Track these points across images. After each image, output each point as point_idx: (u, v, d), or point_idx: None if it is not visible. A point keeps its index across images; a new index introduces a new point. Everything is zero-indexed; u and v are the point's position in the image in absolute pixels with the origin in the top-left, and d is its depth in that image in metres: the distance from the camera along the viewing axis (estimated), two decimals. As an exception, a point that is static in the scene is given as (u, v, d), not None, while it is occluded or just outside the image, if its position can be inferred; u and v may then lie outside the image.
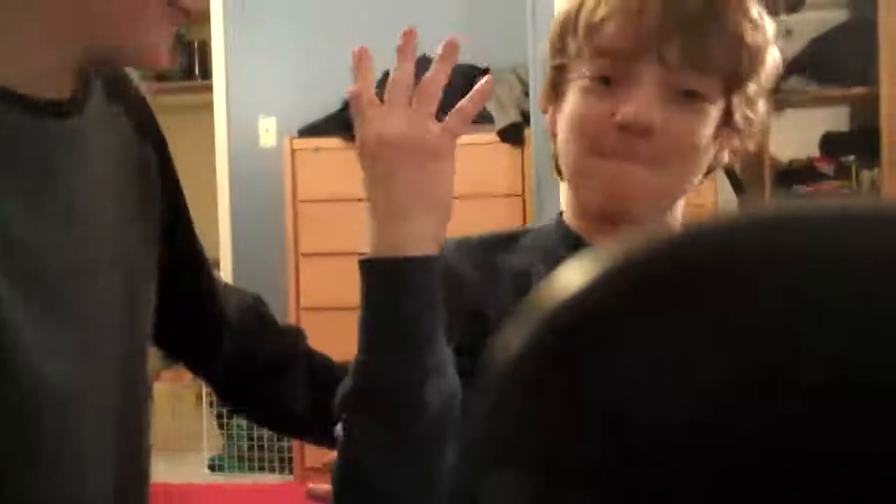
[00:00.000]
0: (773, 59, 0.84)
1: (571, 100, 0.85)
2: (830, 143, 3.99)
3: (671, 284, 0.26)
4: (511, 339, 0.27)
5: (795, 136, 3.99)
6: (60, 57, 0.75)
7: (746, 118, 0.85)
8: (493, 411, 0.27)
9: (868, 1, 3.68)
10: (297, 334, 1.10)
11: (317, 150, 3.50)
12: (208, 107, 3.92)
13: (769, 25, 0.84)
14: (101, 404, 0.80)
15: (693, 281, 0.26)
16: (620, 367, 0.25)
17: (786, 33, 3.90)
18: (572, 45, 0.85)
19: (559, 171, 0.92)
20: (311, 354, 1.07)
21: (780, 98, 3.86)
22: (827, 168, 3.92)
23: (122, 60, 0.82)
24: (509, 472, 0.26)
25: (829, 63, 3.80)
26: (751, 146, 0.89)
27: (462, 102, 0.83)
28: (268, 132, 3.86)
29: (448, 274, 0.82)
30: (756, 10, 0.82)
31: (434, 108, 0.82)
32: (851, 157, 3.88)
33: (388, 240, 0.79)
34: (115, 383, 0.81)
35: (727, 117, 0.84)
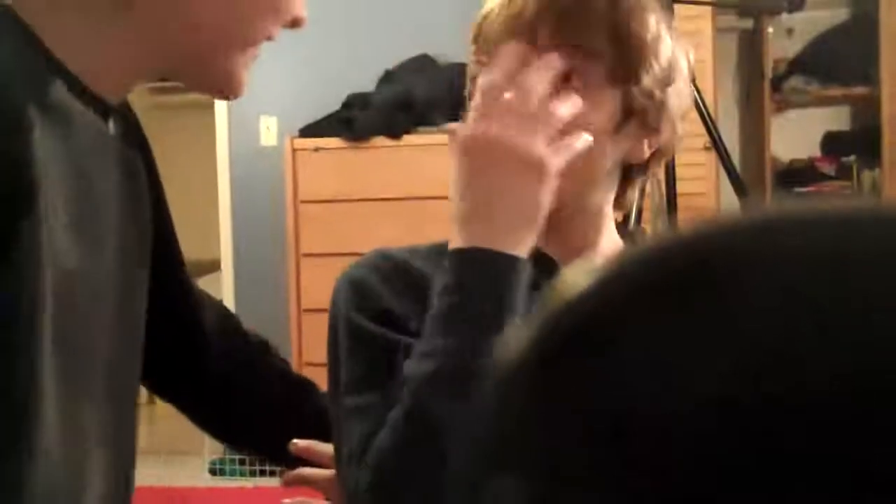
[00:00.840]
0: (666, 53, 0.86)
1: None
2: (831, 143, 3.99)
3: (673, 288, 0.26)
4: (514, 343, 0.27)
5: (796, 136, 4.00)
6: (136, 66, 0.76)
7: (650, 112, 0.86)
8: (496, 415, 0.27)
9: (869, 0, 3.68)
10: (272, 349, 1.09)
11: (317, 149, 3.50)
12: (209, 106, 3.93)
13: (656, 19, 0.86)
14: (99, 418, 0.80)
15: (695, 284, 0.26)
16: (623, 372, 0.25)
17: (787, 33, 3.91)
18: (477, 53, 0.89)
19: None
20: (289, 369, 1.07)
21: (781, 98, 3.87)
22: (828, 168, 3.92)
23: (196, 82, 0.82)
24: (511, 476, 0.26)
25: (830, 63, 3.81)
26: (669, 142, 0.90)
27: (585, 138, 0.81)
28: (269, 131, 3.87)
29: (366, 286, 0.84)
30: (639, 3, 0.85)
31: (554, 129, 0.79)
32: (853, 157, 3.89)
33: (482, 240, 0.78)
34: (105, 389, 0.81)
35: (628, 112, 0.85)
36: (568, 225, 0.89)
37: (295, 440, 0.98)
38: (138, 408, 0.90)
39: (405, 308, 0.85)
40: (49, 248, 0.69)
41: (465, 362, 0.76)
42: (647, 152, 0.89)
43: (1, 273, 0.67)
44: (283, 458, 0.99)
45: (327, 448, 0.92)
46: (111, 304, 0.80)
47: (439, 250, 0.89)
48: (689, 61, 0.90)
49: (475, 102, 0.81)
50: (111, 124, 0.80)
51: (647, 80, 0.85)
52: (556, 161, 0.78)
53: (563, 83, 0.83)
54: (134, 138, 0.89)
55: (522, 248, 0.78)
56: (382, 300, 0.86)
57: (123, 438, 0.85)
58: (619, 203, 0.93)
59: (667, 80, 0.86)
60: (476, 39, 0.90)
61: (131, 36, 0.75)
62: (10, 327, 0.68)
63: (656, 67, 0.85)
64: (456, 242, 0.79)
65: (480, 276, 0.78)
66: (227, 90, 0.80)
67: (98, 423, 0.79)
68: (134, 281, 0.86)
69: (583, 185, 0.87)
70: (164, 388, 1.04)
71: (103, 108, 0.77)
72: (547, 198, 0.79)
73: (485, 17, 0.88)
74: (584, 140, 0.80)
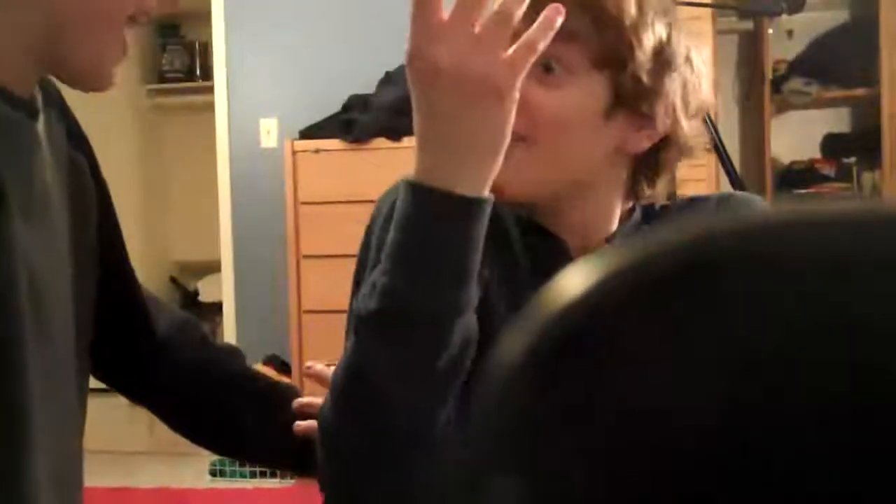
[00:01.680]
0: (652, 41, 0.85)
1: None
2: (832, 145, 3.99)
3: (672, 289, 0.26)
4: (512, 343, 0.27)
5: (797, 137, 4.00)
6: (27, 57, 0.75)
7: (641, 97, 0.85)
8: (496, 415, 0.27)
9: (869, 1, 3.68)
10: (237, 353, 1.08)
11: (318, 151, 3.50)
12: (209, 108, 3.92)
13: (639, 6, 0.84)
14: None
15: (696, 285, 0.26)
16: (622, 372, 0.25)
17: (787, 34, 3.90)
18: None
19: None
20: (255, 374, 1.06)
21: (781, 99, 3.86)
22: (828, 170, 3.92)
23: (66, 73, 0.79)
24: (510, 477, 0.26)
25: (830, 64, 3.81)
26: (676, 134, 0.89)
27: (529, 32, 0.74)
28: (269, 133, 3.87)
29: None
30: None
31: (507, 35, 0.73)
32: (853, 159, 3.88)
33: (439, 172, 0.74)
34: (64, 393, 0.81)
35: (617, 98, 0.85)
36: (574, 213, 0.89)
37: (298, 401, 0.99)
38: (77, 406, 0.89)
39: None
40: (19, 246, 0.70)
41: (402, 306, 0.74)
42: (645, 142, 0.88)
43: None
44: (245, 456, 0.99)
45: None
46: (64, 302, 0.81)
47: None
48: (701, 60, 0.89)
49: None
50: (40, 124, 0.79)
51: (632, 66, 0.84)
52: (511, 78, 0.73)
53: (545, 71, 0.82)
54: (77, 137, 0.89)
55: (480, 181, 0.75)
56: None
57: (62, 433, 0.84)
58: (633, 193, 0.92)
59: (659, 69, 0.85)
60: None
61: (6, 23, 0.74)
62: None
63: (640, 53, 0.84)
64: (413, 172, 0.76)
65: (425, 217, 0.74)
66: (93, 80, 0.77)
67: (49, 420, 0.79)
68: (81, 278, 0.85)
69: (575, 172, 0.87)
70: (121, 386, 1.04)
71: (28, 108, 0.77)
72: (509, 120, 0.74)
73: None
74: (537, 33, 0.74)
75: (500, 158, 0.75)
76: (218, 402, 1.02)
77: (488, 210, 0.75)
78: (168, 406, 1.03)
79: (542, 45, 0.75)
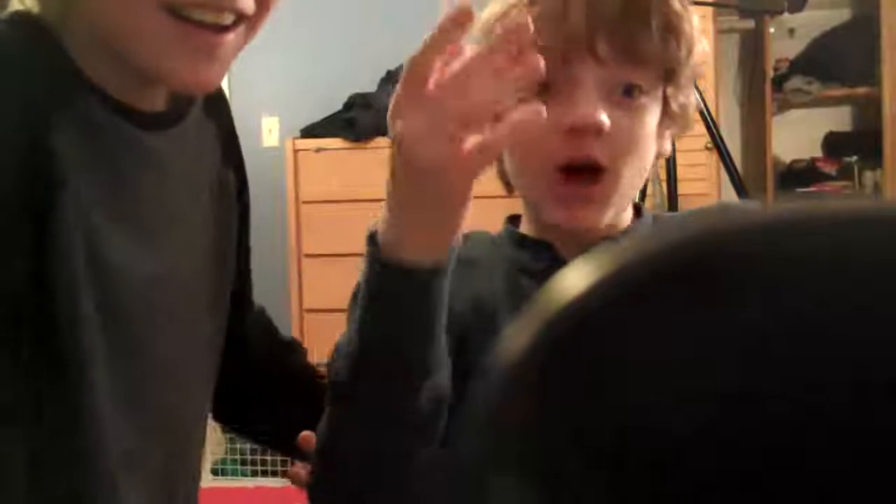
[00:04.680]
0: (701, 47, 0.85)
1: None
2: (833, 144, 3.99)
3: (674, 287, 0.26)
4: (513, 342, 0.27)
5: (798, 136, 4.00)
6: (114, 63, 0.74)
7: (681, 105, 0.85)
8: (495, 416, 0.27)
9: (870, 0, 3.67)
10: (300, 349, 1.09)
11: (319, 150, 3.50)
12: (211, 107, 3.92)
13: (693, 15, 0.84)
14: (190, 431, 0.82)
15: (696, 284, 0.26)
16: (624, 371, 0.25)
17: (788, 33, 3.90)
18: None
19: (506, 183, 0.91)
20: (313, 371, 1.07)
21: (782, 98, 3.86)
22: (829, 168, 3.92)
23: (149, 77, 0.75)
24: (511, 477, 0.26)
25: (831, 63, 3.81)
26: (686, 131, 0.89)
27: (493, 138, 0.65)
28: (270, 132, 3.87)
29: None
30: (678, 1, 0.83)
31: (478, 129, 0.65)
32: (854, 158, 3.88)
33: (389, 233, 0.72)
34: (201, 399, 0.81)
35: (665, 107, 0.85)
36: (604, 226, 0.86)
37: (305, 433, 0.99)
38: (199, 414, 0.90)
39: None
40: (79, 235, 0.70)
41: (351, 352, 0.74)
42: (669, 144, 0.88)
43: (37, 247, 0.68)
44: (288, 449, 1.00)
45: None
46: (175, 308, 0.81)
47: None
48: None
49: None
50: (164, 136, 0.79)
51: (684, 76, 0.84)
52: (462, 181, 0.68)
53: (625, 94, 0.80)
54: (230, 156, 0.90)
55: (428, 247, 0.71)
56: None
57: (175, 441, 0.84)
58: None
59: (692, 75, 0.85)
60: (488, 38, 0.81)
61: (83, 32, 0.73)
62: (54, 299, 0.69)
63: (692, 63, 0.84)
64: (375, 224, 0.74)
65: (367, 277, 0.73)
66: (168, 79, 0.74)
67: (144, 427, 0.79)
68: (221, 288, 0.87)
69: (634, 191, 0.86)
70: None
71: (139, 118, 0.76)
72: (463, 202, 0.69)
73: (504, 16, 0.82)
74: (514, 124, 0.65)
75: (457, 228, 0.71)
76: (272, 398, 1.03)
77: (434, 277, 0.71)
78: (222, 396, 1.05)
79: (503, 147, 0.72)
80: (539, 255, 0.87)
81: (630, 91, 0.81)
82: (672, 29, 0.81)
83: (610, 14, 0.78)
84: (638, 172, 0.84)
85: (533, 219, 0.91)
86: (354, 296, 0.78)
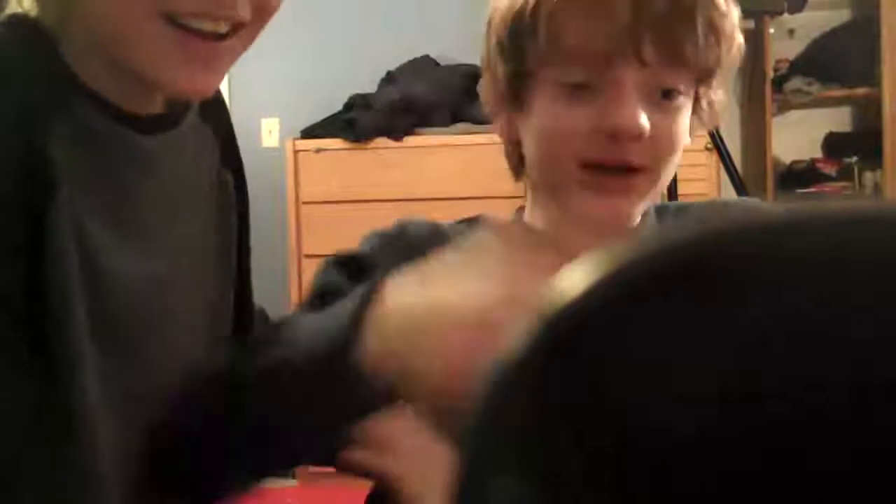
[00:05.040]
0: (738, 45, 0.83)
1: (542, 109, 0.81)
2: (833, 145, 3.99)
3: (674, 287, 0.26)
4: (512, 342, 0.27)
5: (798, 137, 3.99)
6: (112, 69, 0.74)
7: (711, 102, 0.85)
8: (495, 416, 0.27)
9: (871, 1, 3.68)
10: None
11: (319, 151, 3.50)
12: (210, 108, 3.92)
13: (734, 11, 0.83)
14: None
15: (696, 284, 0.26)
16: (624, 371, 0.25)
17: (788, 33, 3.90)
18: (532, 50, 0.80)
19: (517, 175, 0.90)
20: None
21: (782, 99, 3.86)
22: (830, 169, 3.92)
23: (144, 81, 0.75)
24: (511, 477, 0.26)
25: (831, 63, 3.81)
26: (711, 127, 0.89)
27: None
28: (270, 133, 3.87)
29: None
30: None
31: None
32: (854, 159, 3.88)
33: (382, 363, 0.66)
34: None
35: (694, 104, 0.84)
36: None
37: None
38: None
39: None
40: (73, 240, 0.70)
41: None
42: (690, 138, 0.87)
43: (30, 251, 0.68)
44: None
45: None
46: (174, 312, 0.80)
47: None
48: None
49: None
50: (162, 140, 0.79)
51: (718, 76, 0.83)
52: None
53: (664, 97, 0.79)
54: (229, 157, 0.90)
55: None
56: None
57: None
58: None
59: (731, 72, 0.84)
60: (517, 33, 0.80)
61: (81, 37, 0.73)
62: (47, 303, 0.69)
63: (728, 62, 0.82)
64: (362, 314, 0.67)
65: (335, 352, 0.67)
66: (164, 86, 0.73)
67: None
68: (223, 291, 0.86)
69: (662, 190, 0.85)
70: None
71: (136, 123, 0.76)
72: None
73: (537, 6, 0.78)
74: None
75: None
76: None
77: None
78: None
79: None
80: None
81: (669, 93, 0.79)
82: (715, 30, 0.79)
83: (656, 15, 0.76)
84: (672, 170, 0.82)
85: (542, 211, 0.89)
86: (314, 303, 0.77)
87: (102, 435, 0.72)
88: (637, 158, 0.78)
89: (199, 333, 0.83)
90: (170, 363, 0.79)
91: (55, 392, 0.69)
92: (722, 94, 0.86)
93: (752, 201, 1.03)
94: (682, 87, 0.80)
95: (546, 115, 0.81)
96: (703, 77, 0.81)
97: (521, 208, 0.94)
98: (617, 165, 0.79)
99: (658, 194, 0.85)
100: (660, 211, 0.93)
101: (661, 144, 0.79)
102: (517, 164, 0.89)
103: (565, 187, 0.82)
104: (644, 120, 0.77)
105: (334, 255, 0.88)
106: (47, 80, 0.71)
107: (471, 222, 0.93)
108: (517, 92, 0.83)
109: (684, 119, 0.81)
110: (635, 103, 0.77)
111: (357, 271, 0.85)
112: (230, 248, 0.90)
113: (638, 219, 0.84)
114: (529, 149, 0.85)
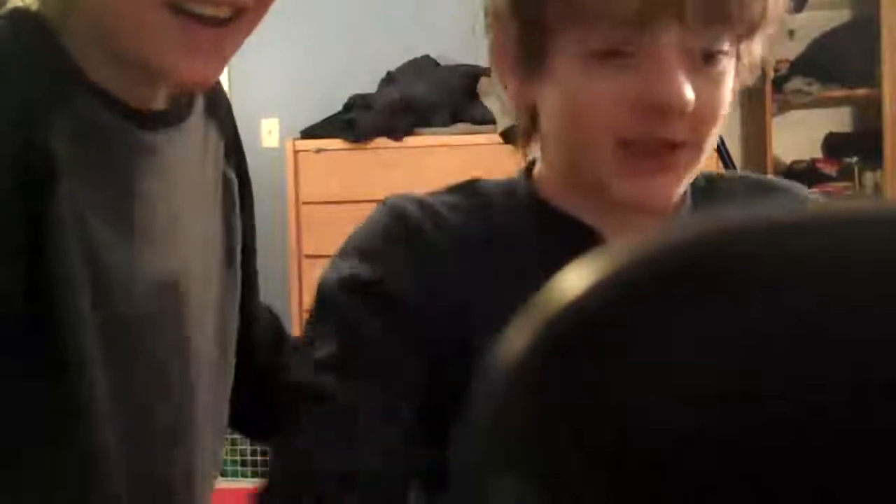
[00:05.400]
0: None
1: (567, 79, 0.72)
2: (833, 145, 3.99)
3: (674, 287, 0.26)
4: (513, 341, 0.27)
5: (798, 137, 3.99)
6: (116, 63, 0.74)
7: (752, 60, 0.76)
8: (496, 416, 0.27)
9: (870, 1, 3.67)
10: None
11: (319, 151, 3.50)
12: (211, 108, 3.92)
13: None
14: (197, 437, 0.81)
15: (696, 284, 0.26)
16: (624, 371, 0.25)
17: (788, 34, 3.90)
18: (552, 9, 0.71)
19: (526, 141, 0.82)
20: None
21: (782, 99, 3.86)
22: (830, 169, 3.92)
23: (146, 72, 0.75)
24: (511, 477, 0.26)
25: (831, 63, 3.80)
26: (748, 84, 0.78)
27: None
28: (270, 133, 3.87)
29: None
30: None
31: None
32: (854, 159, 3.88)
33: None
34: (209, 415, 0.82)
35: (735, 64, 0.74)
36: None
37: None
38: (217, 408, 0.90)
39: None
40: (74, 235, 0.70)
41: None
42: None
43: (33, 246, 0.68)
44: None
45: None
46: (179, 308, 0.80)
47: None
48: None
49: None
50: (167, 135, 0.79)
51: (759, 35, 0.73)
52: None
53: (706, 61, 0.70)
54: (232, 154, 0.90)
55: None
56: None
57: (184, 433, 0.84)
58: None
59: (771, 28, 0.74)
60: None
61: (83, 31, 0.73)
62: (52, 299, 0.69)
63: (770, 19, 0.73)
64: None
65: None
66: (166, 76, 0.73)
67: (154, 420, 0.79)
68: (230, 288, 0.87)
69: (702, 165, 0.77)
70: None
71: (141, 118, 0.76)
72: None
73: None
74: None
75: None
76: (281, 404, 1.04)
77: None
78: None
79: None
80: (570, 239, 0.77)
81: (711, 57, 0.70)
82: None
83: None
84: (714, 140, 0.74)
85: (564, 181, 0.80)
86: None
87: (109, 430, 0.72)
88: (680, 133, 0.70)
89: (206, 332, 0.83)
90: (174, 361, 0.80)
91: (63, 387, 0.69)
92: (761, 49, 0.76)
93: (796, 186, 0.91)
94: (725, 48, 0.71)
95: (572, 85, 0.72)
96: (747, 34, 0.72)
97: (529, 167, 0.86)
98: (658, 143, 0.71)
99: (699, 169, 0.76)
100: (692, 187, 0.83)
101: (705, 115, 0.71)
102: (528, 128, 0.81)
103: (597, 167, 0.74)
104: (690, 92, 0.68)
105: (339, 279, 0.84)
106: (49, 74, 0.71)
107: (461, 189, 0.86)
108: (532, 53, 0.74)
109: (727, 83, 0.72)
110: (679, 73, 0.68)
111: (372, 295, 0.80)
112: (235, 247, 0.90)
113: (677, 198, 0.76)
114: (550, 121, 0.76)
